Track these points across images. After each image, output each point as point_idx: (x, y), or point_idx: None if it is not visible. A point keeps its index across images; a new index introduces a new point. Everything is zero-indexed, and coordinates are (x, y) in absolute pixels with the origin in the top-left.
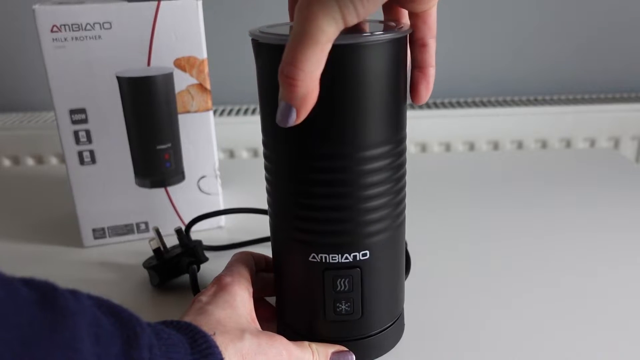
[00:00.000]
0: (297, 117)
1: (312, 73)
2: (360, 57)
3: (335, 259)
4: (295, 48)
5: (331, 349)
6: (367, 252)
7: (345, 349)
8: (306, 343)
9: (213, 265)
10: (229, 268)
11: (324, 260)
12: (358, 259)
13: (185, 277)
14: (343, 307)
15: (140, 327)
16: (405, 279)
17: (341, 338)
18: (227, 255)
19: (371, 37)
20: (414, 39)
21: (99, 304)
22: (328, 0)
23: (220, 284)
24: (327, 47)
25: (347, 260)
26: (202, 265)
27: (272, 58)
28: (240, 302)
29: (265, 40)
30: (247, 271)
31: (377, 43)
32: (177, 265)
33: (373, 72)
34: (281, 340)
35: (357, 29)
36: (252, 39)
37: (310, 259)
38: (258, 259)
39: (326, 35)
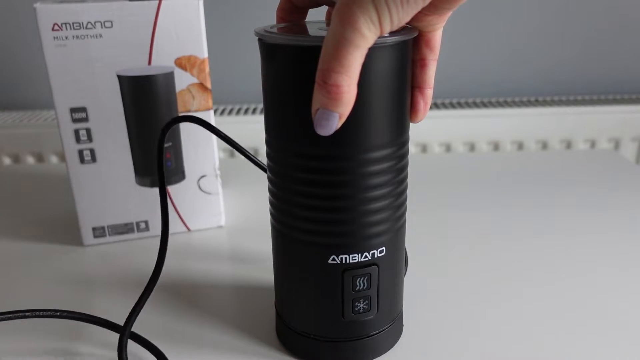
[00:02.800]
0: (339, 122)
1: (356, 78)
2: (366, 59)
3: (355, 259)
4: (338, 54)
5: None
6: (384, 248)
7: None
8: None
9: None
10: None
11: (344, 262)
12: (376, 256)
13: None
14: (361, 305)
15: None
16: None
17: (357, 336)
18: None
19: (377, 38)
20: (416, 59)
21: None
22: (367, 4)
23: None
24: (366, 52)
25: (367, 259)
26: None
27: (286, 59)
28: None
29: (276, 41)
30: None
31: (384, 45)
32: None
33: (378, 74)
34: None
35: None
36: (261, 40)
37: (329, 261)
38: None
39: (366, 40)
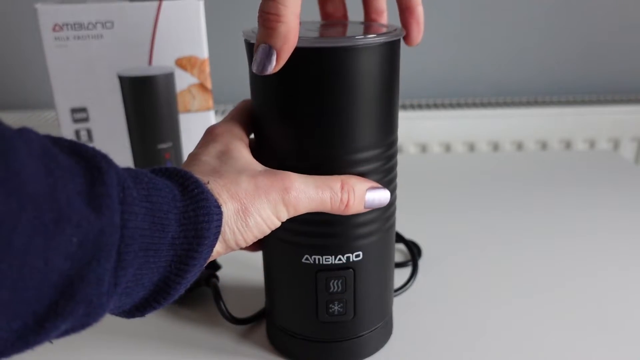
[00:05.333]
0: (277, 62)
1: (294, 9)
2: (353, 60)
3: (329, 261)
4: None
5: (367, 184)
6: (360, 253)
7: (379, 185)
8: (334, 178)
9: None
10: (225, 117)
11: (317, 262)
12: (351, 260)
13: (202, 288)
14: (336, 308)
15: (107, 163)
16: (415, 277)
17: (333, 338)
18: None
19: (364, 39)
20: None
21: (57, 142)
22: None
23: (211, 134)
24: None
25: (341, 262)
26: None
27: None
28: (234, 149)
29: (251, 40)
30: (241, 122)
31: (370, 46)
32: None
33: (366, 74)
34: (286, 177)
35: (349, 32)
36: (245, 40)
37: (303, 260)
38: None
39: None
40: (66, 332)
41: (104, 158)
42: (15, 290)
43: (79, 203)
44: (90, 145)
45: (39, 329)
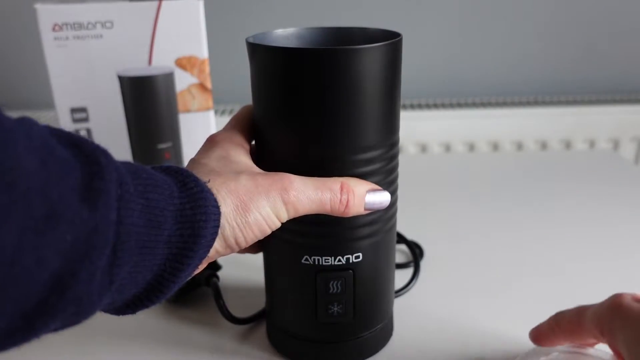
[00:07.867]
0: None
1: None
2: (354, 61)
3: (328, 262)
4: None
5: (367, 186)
6: (360, 254)
7: (379, 187)
8: (334, 180)
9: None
10: (226, 125)
11: (316, 263)
12: (351, 261)
13: (203, 288)
14: (335, 309)
15: (106, 159)
16: (416, 278)
17: (332, 339)
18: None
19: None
20: None
21: (57, 133)
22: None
23: (212, 141)
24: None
25: (340, 263)
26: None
27: (267, 60)
28: (235, 154)
29: (254, 41)
30: (242, 130)
31: (371, 47)
32: (194, 278)
33: (366, 76)
34: (285, 177)
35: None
36: (247, 41)
37: (303, 261)
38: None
39: None
40: (55, 330)
41: (104, 153)
42: (4, 289)
43: (73, 199)
44: None
45: (28, 328)
